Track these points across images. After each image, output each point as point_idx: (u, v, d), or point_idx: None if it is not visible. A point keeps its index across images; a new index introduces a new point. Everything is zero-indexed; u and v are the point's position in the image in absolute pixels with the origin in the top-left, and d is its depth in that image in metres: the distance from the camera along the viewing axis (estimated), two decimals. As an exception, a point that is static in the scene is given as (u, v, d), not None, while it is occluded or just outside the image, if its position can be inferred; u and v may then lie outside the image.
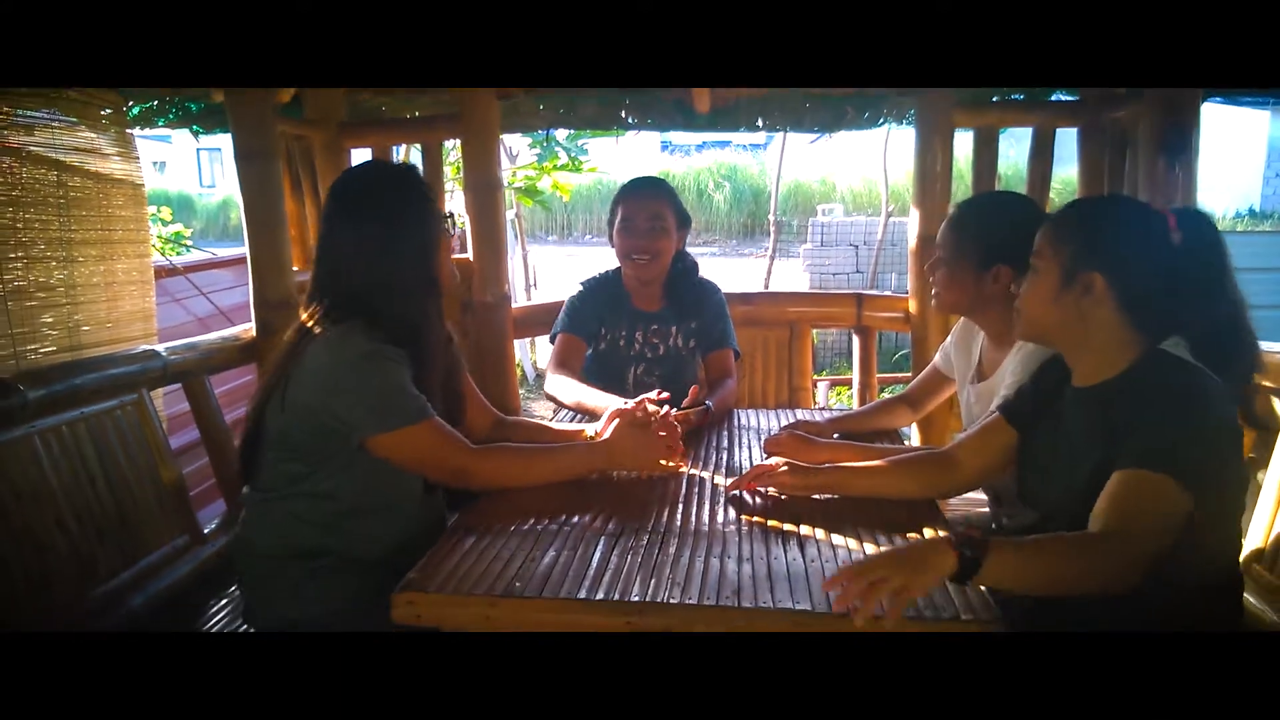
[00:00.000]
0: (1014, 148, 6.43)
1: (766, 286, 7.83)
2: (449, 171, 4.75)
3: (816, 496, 1.60)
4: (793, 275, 9.65)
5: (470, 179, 2.95)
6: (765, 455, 1.75)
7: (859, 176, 16.26)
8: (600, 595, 1.22)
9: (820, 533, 1.42)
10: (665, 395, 1.86)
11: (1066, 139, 2.91)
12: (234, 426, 2.29)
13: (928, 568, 1.11)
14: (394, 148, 3.38)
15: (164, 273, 3.47)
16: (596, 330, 2.46)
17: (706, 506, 1.57)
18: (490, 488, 1.62)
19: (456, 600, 1.23)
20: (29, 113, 2.33)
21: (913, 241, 2.94)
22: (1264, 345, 1.67)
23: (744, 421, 2.21)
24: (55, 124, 2.41)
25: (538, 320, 3.14)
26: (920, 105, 2.86)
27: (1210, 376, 1.28)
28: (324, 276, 1.60)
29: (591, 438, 1.81)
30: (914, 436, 2.95)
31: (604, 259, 2.60)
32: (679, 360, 2.47)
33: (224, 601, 1.94)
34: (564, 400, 2.26)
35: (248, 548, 1.61)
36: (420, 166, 2.62)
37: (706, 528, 1.47)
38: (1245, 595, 1.59)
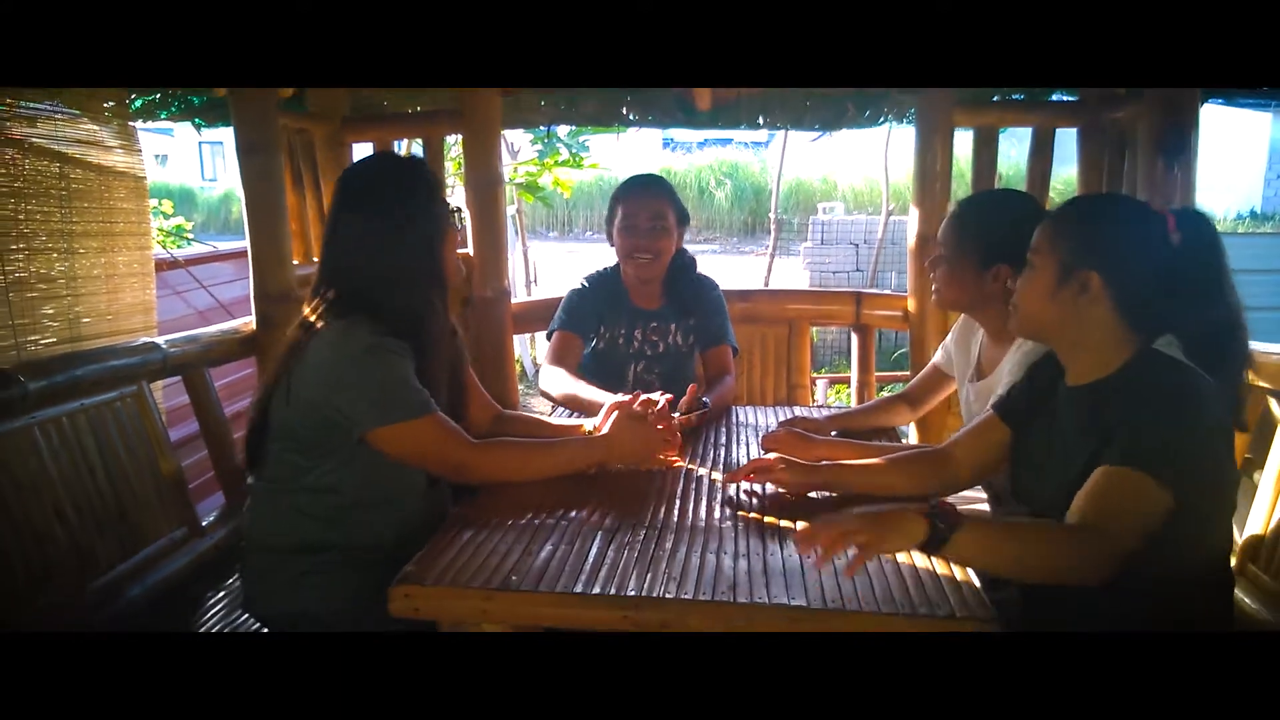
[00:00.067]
0: (1014, 147, 6.41)
1: (767, 284, 7.81)
2: (450, 167, 4.75)
3: (813, 494, 1.61)
4: (793, 273, 9.65)
5: (471, 174, 2.96)
6: (763, 451, 1.75)
7: (860, 175, 16.21)
8: (597, 590, 1.22)
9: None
10: (668, 397, 1.86)
11: (1066, 139, 2.91)
12: (233, 420, 2.30)
13: (897, 531, 1.13)
14: (395, 143, 3.37)
15: (165, 265, 3.46)
16: (595, 328, 2.46)
17: (704, 502, 1.58)
18: (489, 482, 1.62)
19: (454, 593, 1.24)
20: (32, 104, 2.33)
21: (912, 240, 2.95)
22: (1264, 347, 1.67)
23: (742, 418, 2.22)
24: (58, 116, 2.41)
25: (537, 316, 3.15)
26: (920, 104, 2.86)
27: (1203, 377, 1.29)
28: (330, 267, 1.60)
29: (590, 432, 1.82)
30: (912, 435, 2.95)
31: (604, 255, 2.60)
32: (678, 358, 2.47)
33: (222, 594, 1.95)
34: (556, 395, 2.26)
35: (251, 539, 1.62)
36: (422, 161, 2.62)
37: (703, 523, 1.48)
38: (1241, 596, 1.60)
